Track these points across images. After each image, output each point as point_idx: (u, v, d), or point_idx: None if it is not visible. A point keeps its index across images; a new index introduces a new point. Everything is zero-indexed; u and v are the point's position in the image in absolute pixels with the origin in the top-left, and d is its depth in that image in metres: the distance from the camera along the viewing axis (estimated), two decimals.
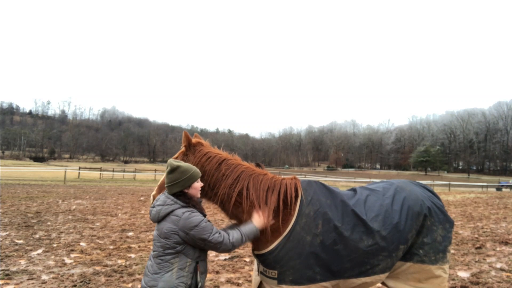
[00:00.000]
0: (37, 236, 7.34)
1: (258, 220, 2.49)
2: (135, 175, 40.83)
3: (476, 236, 8.38)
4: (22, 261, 5.55)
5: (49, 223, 8.78)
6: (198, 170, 2.49)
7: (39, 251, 6.21)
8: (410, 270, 2.65)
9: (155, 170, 49.36)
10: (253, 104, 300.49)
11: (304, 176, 51.66)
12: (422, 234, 2.66)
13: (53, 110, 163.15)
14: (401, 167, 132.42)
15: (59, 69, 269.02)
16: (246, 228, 2.44)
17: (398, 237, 2.55)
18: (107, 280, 4.81)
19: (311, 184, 2.73)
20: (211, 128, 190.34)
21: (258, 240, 2.58)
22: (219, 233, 2.33)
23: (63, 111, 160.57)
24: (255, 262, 2.83)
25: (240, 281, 4.89)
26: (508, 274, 5.40)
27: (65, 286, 4.54)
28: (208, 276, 5.03)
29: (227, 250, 2.36)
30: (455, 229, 8.95)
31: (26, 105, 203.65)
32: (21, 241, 6.81)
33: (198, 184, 2.47)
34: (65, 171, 25.80)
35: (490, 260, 6.23)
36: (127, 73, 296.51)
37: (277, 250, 2.44)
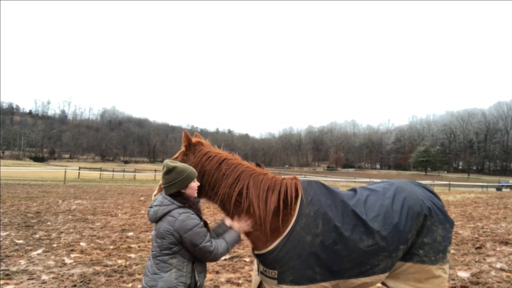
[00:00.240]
0: (37, 236, 7.34)
1: (237, 226, 2.53)
2: (135, 175, 40.83)
3: (476, 236, 8.38)
4: (22, 261, 5.55)
5: (49, 223, 8.78)
6: (194, 170, 2.49)
7: (39, 251, 6.21)
8: (410, 270, 2.65)
9: (155, 170, 49.34)
10: (253, 104, 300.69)
11: (304, 176, 51.66)
12: (422, 234, 2.65)
13: (53, 110, 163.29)
14: (401, 167, 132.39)
15: (59, 69, 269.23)
16: (231, 237, 2.47)
17: (398, 237, 2.55)
18: (107, 280, 4.81)
19: (311, 184, 2.73)
20: (211, 128, 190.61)
21: (258, 240, 2.58)
22: (211, 242, 2.33)
23: (63, 111, 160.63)
24: (255, 262, 2.83)
25: (240, 281, 4.89)
26: (508, 274, 5.40)
27: (65, 286, 4.54)
28: (208, 276, 5.03)
29: (215, 260, 2.38)
30: (455, 229, 8.95)
31: (26, 105, 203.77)
32: (21, 241, 6.81)
33: (195, 184, 2.48)
34: (65, 171, 25.81)
35: (490, 260, 6.22)
36: (127, 73, 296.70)
37: (277, 250, 2.44)
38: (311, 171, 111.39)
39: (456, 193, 26.32)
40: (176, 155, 2.82)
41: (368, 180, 42.29)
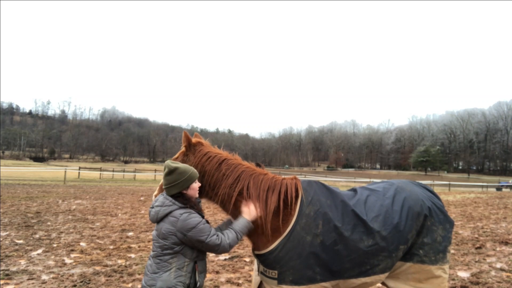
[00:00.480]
0: (37, 236, 7.34)
1: (247, 212, 2.50)
2: (135, 175, 40.83)
3: (476, 236, 8.38)
4: (22, 261, 5.55)
5: (49, 223, 8.78)
6: (195, 171, 2.50)
7: (39, 251, 6.21)
8: (410, 270, 2.65)
9: (155, 170, 49.34)
10: (253, 104, 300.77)
11: (304, 176, 51.66)
12: (422, 234, 2.65)
13: (53, 110, 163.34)
14: (401, 167, 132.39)
15: (59, 69, 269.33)
16: (239, 225, 2.45)
17: (398, 238, 2.55)
18: (107, 280, 4.81)
19: (311, 184, 2.73)
20: (211, 128, 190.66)
21: (258, 240, 2.58)
22: (217, 235, 2.34)
23: (63, 111, 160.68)
24: (255, 262, 2.83)
25: (240, 281, 4.89)
26: (508, 274, 5.40)
27: (65, 286, 4.54)
28: (208, 276, 5.04)
29: (225, 251, 2.38)
30: (455, 229, 8.96)
31: (26, 105, 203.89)
32: (21, 241, 6.81)
33: (196, 185, 2.48)
34: (65, 171, 25.81)
35: (490, 260, 6.22)
36: (127, 73, 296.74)
37: (277, 250, 2.44)
38: (311, 171, 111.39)
39: (456, 193, 26.32)
40: (176, 155, 2.82)
41: (368, 180, 42.30)
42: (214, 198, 2.68)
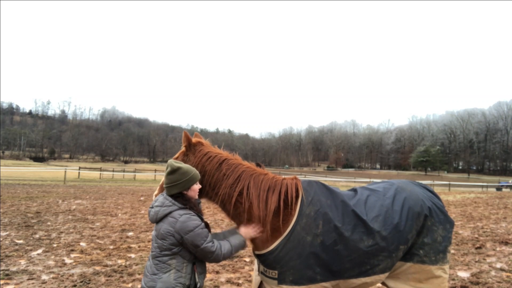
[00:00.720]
0: (37, 236, 7.34)
1: (246, 233, 2.51)
2: (135, 175, 40.83)
3: (476, 236, 8.38)
4: (22, 261, 5.55)
5: (49, 223, 8.77)
6: (197, 172, 2.49)
7: (39, 251, 6.21)
8: (410, 270, 2.65)
9: (155, 170, 49.35)
10: (253, 104, 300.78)
11: (304, 176, 51.66)
12: (423, 234, 2.65)
13: (53, 110, 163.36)
14: (401, 167, 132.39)
15: (59, 69, 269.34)
16: (236, 240, 2.46)
17: (398, 238, 2.55)
18: (107, 280, 4.81)
19: (311, 184, 2.73)
20: (211, 128, 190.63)
21: (259, 240, 2.58)
22: (213, 243, 2.32)
23: (63, 111, 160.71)
24: (256, 262, 2.83)
25: (240, 281, 4.88)
26: (508, 274, 5.40)
27: (65, 286, 4.54)
28: (208, 276, 5.03)
29: (217, 261, 2.37)
30: (455, 229, 8.95)
31: (26, 105, 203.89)
32: (21, 241, 6.81)
33: (197, 187, 2.48)
34: (65, 171, 25.81)
35: (490, 260, 6.23)
36: (127, 73, 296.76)
37: (278, 250, 2.44)
38: (311, 171, 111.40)
39: (456, 193, 26.32)
40: (176, 155, 2.81)
41: (368, 180, 42.30)
42: (214, 198, 2.68)
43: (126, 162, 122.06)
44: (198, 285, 2.37)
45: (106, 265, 5.48)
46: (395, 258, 2.59)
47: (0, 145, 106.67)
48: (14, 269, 5.13)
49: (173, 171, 2.37)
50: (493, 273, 5.43)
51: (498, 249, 7.11)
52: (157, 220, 2.34)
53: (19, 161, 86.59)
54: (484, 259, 6.24)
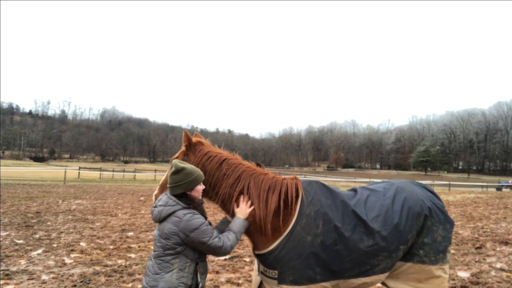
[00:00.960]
0: (37, 236, 7.34)
1: (240, 211, 2.51)
2: (135, 175, 40.83)
3: (476, 236, 8.38)
4: (22, 261, 5.55)
5: (49, 223, 8.77)
6: (201, 173, 2.49)
7: (39, 251, 6.21)
8: (410, 271, 2.65)
9: (155, 170, 49.35)
10: (253, 104, 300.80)
11: (304, 176, 51.66)
12: (423, 234, 2.65)
13: (53, 110, 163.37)
14: (401, 167, 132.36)
15: (59, 69, 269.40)
16: (236, 225, 2.46)
17: (398, 238, 2.55)
18: (107, 280, 4.81)
19: (311, 184, 2.73)
20: (211, 128, 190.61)
21: (259, 240, 2.58)
22: (219, 238, 2.33)
23: (63, 111, 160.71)
24: (256, 262, 2.83)
25: (240, 281, 4.88)
26: (508, 274, 5.40)
27: (65, 286, 4.54)
28: (208, 276, 5.03)
29: (226, 253, 2.38)
30: (455, 229, 8.95)
31: (26, 105, 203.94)
32: (21, 241, 6.81)
33: (201, 187, 2.48)
34: (65, 171, 25.81)
35: (490, 260, 6.23)
36: (127, 73, 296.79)
37: (278, 250, 2.44)
38: (311, 171, 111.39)
39: (456, 193, 26.32)
40: (176, 155, 2.81)
41: (368, 180, 42.30)
42: (215, 198, 2.68)
43: (126, 162, 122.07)
44: (200, 285, 2.37)
45: (106, 265, 5.48)
46: (395, 258, 2.59)
47: (0, 145, 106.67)
48: (14, 269, 5.13)
49: (177, 171, 2.38)
50: (493, 273, 5.43)
51: (498, 249, 7.10)
52: (161, 219, 2.34)
53: (19, 161, 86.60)
54: (484, 259, 6.24)
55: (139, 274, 5.08)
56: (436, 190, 29.18)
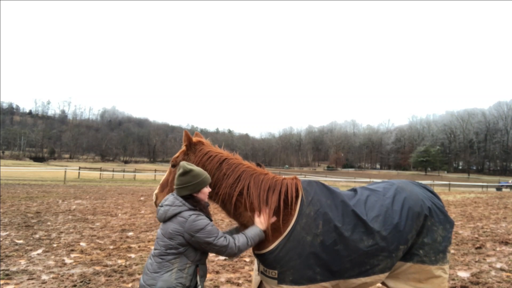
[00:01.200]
0: (37, 236, 7.34)
1: (260, 222, 2.49)
2: (135, 175, 40.83)
3: (476, 236, 8.38)
4: (22, 261, 5.55)
5: (49, 223, 8.77)
6: (209, 176, 2.50)
7: (39, 251, 6.21)
8: (410, 270, 2.65)
9: (155, 170, 49.35)
10: (253, 104, 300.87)
11: (304, 176, 51.66)
12: (422, 234, 2.65)
13: (53, 110, 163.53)
14: (401, 167, 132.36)
15: (59, 69, 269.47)
16: (251, 232, 2.45)
17: (398, 238, 2.55)
18: (107, 280, 4.81)
19: (311, 184, 2.73)
20: (211, 128, 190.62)
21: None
22: (225, 237, 2.34)
23: (63, 111, 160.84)
24: (255, 261, 2.83)
25: (240, 281, 4.88)
26: (508, 274, 5.40)
27: (65, 286, 4.54)
28: (208, 276, 5.04)
29: (233, 254, 2.37)
30: (455, 229, 8.95)
31: (26, 105, 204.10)
32: (21, 241, 6.81)
33: (207, 190, 2.49)
34: (65, 171, 25.80)
35: (490, 260, 6.22)
36: (127, 73, 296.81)
37: (278, 250, 2.44)
38: (311, 171, 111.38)
39: (456, 193, 26.32)
40: (177, 155, 2.81)
41: (368, 180, 42.30)
42: (215, 197, 2.68)
43: (126, 162, 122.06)
44: (199, 287, 2.37)
45: (106, 265, 5.48)
46: (395, 258, 2.59)
47: (0, 145, 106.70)
48: (14, 269, 5.13)
49: (185, 173, 2.39)
50: (493, 273, 5.43)
51: (498, 249, 7.10)
52: (166, 219, 2.35)
53: (19, 161, 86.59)
54: (484, 259, 6.24)
55: (139, 274, 5.08)
56: (436, 190, 29.18)
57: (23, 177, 27.80)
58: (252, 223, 2.56)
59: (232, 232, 2.61)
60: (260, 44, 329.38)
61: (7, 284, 4.57)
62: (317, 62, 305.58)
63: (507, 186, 43.49)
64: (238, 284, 4.79)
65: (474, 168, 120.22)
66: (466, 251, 6.82)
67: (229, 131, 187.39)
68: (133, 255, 6.12)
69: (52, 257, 5.86)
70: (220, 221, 9.58)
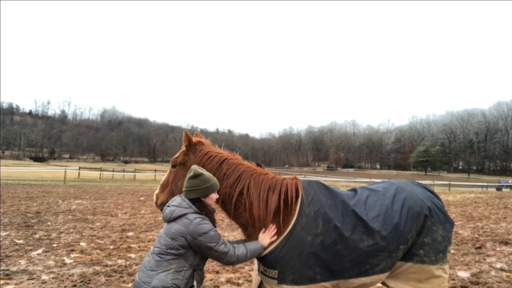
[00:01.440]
0: (37, 236, 7.34)
1: (263, 238, 2.51)
2: (135, 175, 40.83)
3: (476, 236, 8.38)
4: (22, 261, 5.54)
5: (49, 223, 8.77)
6: (217, 182, 2.51)
7: (39, 251, 6.21)
8: (410, 270, 2.65)
9: (155, 170, 49.35)
10: (253, 104, 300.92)
11: (304, 176, 51.65)
12: (423, 234, 2.66)
13: (53, 110, 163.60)
14: (401, 167, 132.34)
15: (59, 69, 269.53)
16: (252, 245, 2.47)
17: (398, 237, 2.55)
18: (107, 280, 4.81)
19: (311, 184, 2.73)
20: (211, 128, 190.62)
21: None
22: (225, 245, 2.37)
23: (63, 111, 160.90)
24: (255, 262, 2.83)
25: (240, 281, 4.88)
26: (508, 274, 5.40)
27: (65, 286, 4.54)
28: (208, 276, 5.03)
29: (231, 262, 2.39)
30: (455, 229, 8.95)
31: (26, 105, 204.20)
32: (21, 241, 6.81)
33: (215, 196, 2.50)
34: (65, 171, 25.80)
35: (490, 260, 6.22)
36: (127, 73, 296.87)
37: (278, 250, 2.44)
38: (311, 171, 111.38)
39: (456, 193, 26.32)
40: (177, 155, 2.81)
41: (368, 180, 42.29)
42: None
43: (126, 162, 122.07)
44: None
45: (106, 265, 5.47)
46: (395, 258, 2.59)
47: (0, 145, 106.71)
48: (14, 269, 5.13)
49: (195, 176, 2.40)
50: (493, 273, 5.43)
51: (498, 249, 7.10)
52: (171, 219, 2.36)
53: (19, 161, 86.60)
54: (484, 259, 6.24)
55: None
56: (436, 190, 29.19)
57: (23, 177, 27.80)
58: (251, 223, 2.56)
59: (235, 243, 2.62)
60: (260, 44, 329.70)
61: (7, 284, 4.57)
62: (317, 62, 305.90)
63: (507, 186, 43.49)
64: (238, 284, 4.79)
65: (474, 168, 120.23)
66: (466, 251, 6.82)
67: (229, 131, 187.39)
68: (133, 255, 6.12)
69: (52, 257, 5.86)
70: (220, 221, 9.58)
